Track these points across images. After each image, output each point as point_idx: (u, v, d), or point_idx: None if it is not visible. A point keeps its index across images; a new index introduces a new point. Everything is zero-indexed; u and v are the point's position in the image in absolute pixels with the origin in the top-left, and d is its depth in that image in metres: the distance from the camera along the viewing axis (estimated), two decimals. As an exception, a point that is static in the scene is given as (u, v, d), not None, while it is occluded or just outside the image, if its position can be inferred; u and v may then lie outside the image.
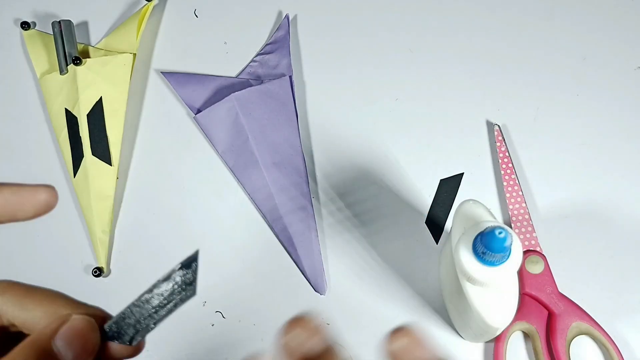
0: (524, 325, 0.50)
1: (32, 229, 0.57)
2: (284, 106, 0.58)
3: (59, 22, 0.61)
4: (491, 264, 0.38)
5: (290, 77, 0.59)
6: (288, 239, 0.54)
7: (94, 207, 0.55)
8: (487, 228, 0.37)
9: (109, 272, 0.55)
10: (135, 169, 0.59)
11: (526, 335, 0.51)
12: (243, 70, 0.61)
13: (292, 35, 0.62)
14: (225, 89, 0.60)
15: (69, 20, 0.62)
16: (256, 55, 0.61)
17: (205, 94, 0.60)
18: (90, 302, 0.50)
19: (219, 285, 0.53)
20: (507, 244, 0.36)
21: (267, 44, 0.62)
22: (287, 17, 0.62)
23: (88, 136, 0.57)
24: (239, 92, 0.58)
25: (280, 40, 0.61)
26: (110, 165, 0.57)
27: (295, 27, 0.63)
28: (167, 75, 0.61)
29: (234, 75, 0.61)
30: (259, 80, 0.60)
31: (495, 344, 0.50)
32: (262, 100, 0.58)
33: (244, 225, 0.56)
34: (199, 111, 0.59)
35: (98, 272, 0.54)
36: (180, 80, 0.61)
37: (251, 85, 0.60)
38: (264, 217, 0.56)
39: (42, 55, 0.62)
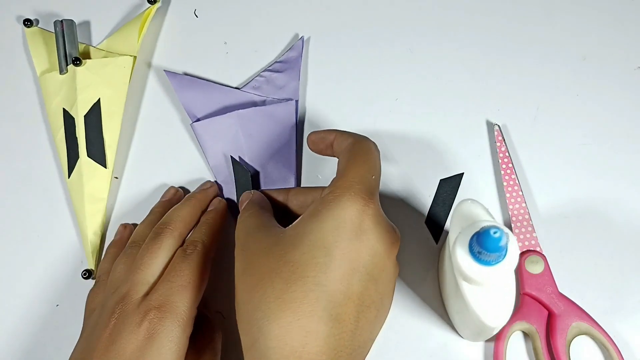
0: (524, 325, 0.50)
1: (25, 228, 0.57)
2: (284, 131, 0.57)
3: (61, 21, 0.61)
4: (487, 263, 0.38)
5: (297, 101, 0.58)
6: None
7: (87, 208, 0.56)
8: (482, 228, 0.36)
9: None
10: (130, 171, 0.59)
11: (526, 335, 0.51)
12: (247, 82, 0.60)
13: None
14: (228, 101, 0.59)
15: (71, 20, 0.62)
16: (264, 70, 0.60)
17: (206, 103, 0.59)
18: (78, 304, 0.50)
19: (218, 286, 0.53)
20: (502, 243, 0.36)
21: (276, 62, 0.61)
22: (302, 39, 0.61)
23: (84, 137, 0.57)
24: (243, 110, 0.58)
25: (292, 61, 0.60)
26: (105, 167, 0.57)
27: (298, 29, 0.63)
28: (170, 75, 0.60)
29: (236, 84, 0.61)
30: (262, 97, 0.59)
31: (495, 344, 0.50)
32: (264, 122, 0.57)
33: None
34: (197, 119, 0.58)
35: (87, 274, 0.54)
36: (182, 83, 0.60)
37: (254, 102, 0.59)
38: None
39: (43, 54, 0.62)
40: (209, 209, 0.54)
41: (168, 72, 0.61)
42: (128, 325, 0.43)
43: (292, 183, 0.56)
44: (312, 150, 0.51)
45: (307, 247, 0.40)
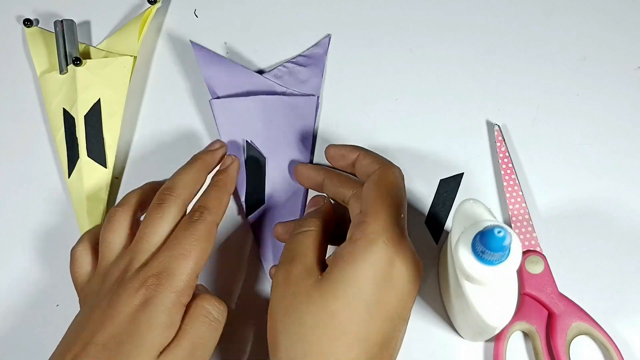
0: (524, 325, 0.50)
1: (25, 228, 0.57)
2: (303, 125, 0.57)
3: (61, 21, 0.61)
4: (490, 263, 0.38)
5: (318, 98, 0.58)
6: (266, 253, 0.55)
7: (86, 208, 0.55)
8: (486, 227, 0.36)
9: None
10: (130, 171, 0.59)
11: (526, 335, 0.51)
12: (270, 70, 0.60)
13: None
14: (250, 84, 0.59)
15: (71, 20, 0.62)
16: (287, 62, 0.60)
17: (229, 82, 0.59)
18: (74, 303, 0.50)
19: (218, 285, 0.53)
20: (506, 243, 0.36)
21: (300, 55, 0.61)
22: (328, 37, 0.61)
23: (84, 137, 0.57)
24: (267, 96, 0.57)
25: (316, 57, 0.60)
26: (105, 167, 0.57)
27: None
28: (196, 48, 0.60)
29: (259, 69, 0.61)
30: (283, 87, 0.59)
31: (495, 344, 0.50)
32: (285, 112, 0.57)
33: (241, 228, 0.56)
34: (217, 97, 0.58)
35: None
36: (207, 57, 0.60)
37: (275, 90, 0.59)
38: (250, 222, 0.56)
39: (43, 54, 0.62)
40: (219, 169, 0.53)
41: (194, 44, 0.60)
42: (126, 290, 0.43)
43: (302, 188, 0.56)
44: (330, 164, 0.52)
45: (347, 299, 0.41)
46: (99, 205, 0.56)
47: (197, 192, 0.50)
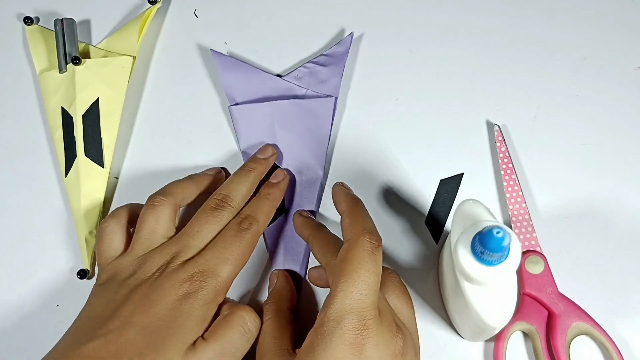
0: (523, 325, 0.50)
1: (25, 228, 0.57)
2: (319, 127, 0.57)
3: (62, 20, 0.61)
4: (489, 263, 0.38)
5: (336, 98, 0.58)
6: (278, 247, 0.55)
7: (83, 208, 0.55)
8: (485, 227, 0.36)
9: (94, 274, 0.55)
10: (128, 171, 0.59)
11: (526, 335, 0.51)
12: (290, 72, 0.60)
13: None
14: (268, 89, 0.59)
15: (72, 19, 0.62)
16: (308, 62, 0.60)
17: (247, 88, 0.59)
18: (78, 304, 0.50)
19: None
20: (505, 243, 0.36)
21: (321, 54, 0.60)
22: (351, 35, 0.61)
23: (82, 136, 0.57)
24: (281, 101, 0.57)
25: (337, 56, 0.59)
26: (102, 167, 0.57)
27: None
28: (215, 55, 0.60)
29: (278, 71, 0.61)
30: (303, 88, 0.59)
31: (495, 344, 0.50)
32: (301, 115, 0.57)
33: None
34: (235, 103, 0.59)
35: (82, 274, 0.54)
36: (226, 64, 0.60)
37: (294, 92, 0.59)
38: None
39: (43, 52, 0.62)
40: (272, 181, 0.54)
41: (214, 52, 0.60)
42: (171, 280, 0.45)
43: (320, 178, 0.56)
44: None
45: None
46: (95, 205, 0.56)
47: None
